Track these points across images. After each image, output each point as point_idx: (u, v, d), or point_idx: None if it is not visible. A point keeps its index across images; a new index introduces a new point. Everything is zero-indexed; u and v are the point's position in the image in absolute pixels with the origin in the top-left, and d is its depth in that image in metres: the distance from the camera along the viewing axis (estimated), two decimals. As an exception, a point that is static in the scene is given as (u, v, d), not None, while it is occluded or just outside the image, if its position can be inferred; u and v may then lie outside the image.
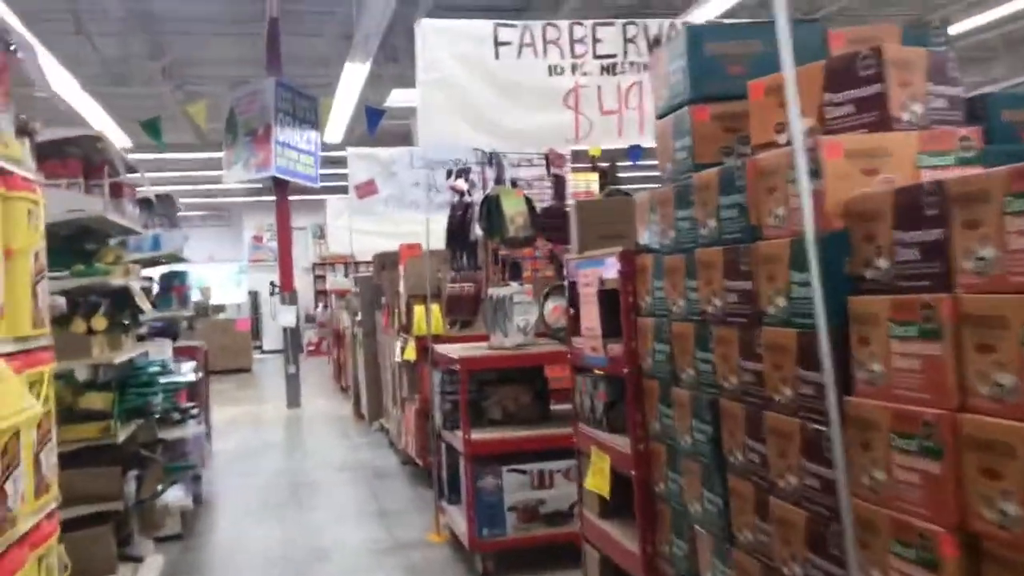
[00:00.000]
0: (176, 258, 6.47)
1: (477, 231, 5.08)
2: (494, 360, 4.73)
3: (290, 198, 23.95)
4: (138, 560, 3.70)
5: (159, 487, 4.15)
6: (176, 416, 6.24)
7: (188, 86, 12.30)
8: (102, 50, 11.72)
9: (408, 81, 13.65)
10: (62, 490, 3.43)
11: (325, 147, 14.74)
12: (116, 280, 3.66)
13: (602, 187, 6.28)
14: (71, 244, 3.93)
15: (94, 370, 4.62)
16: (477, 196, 5.09)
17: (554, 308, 5.06)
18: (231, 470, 7.99)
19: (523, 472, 4.68)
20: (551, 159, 6.76)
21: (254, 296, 24.95)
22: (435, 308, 6.57)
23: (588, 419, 3.30)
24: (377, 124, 12.63)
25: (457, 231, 5.11)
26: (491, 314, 4.83)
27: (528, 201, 4.87)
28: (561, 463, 4.73)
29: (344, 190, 12.44)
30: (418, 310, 6.89)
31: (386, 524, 5.84)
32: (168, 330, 8.52)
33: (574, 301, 3.34)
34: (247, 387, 15.49)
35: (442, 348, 5.28)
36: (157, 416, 6.05)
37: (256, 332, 23.42)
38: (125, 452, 3.80)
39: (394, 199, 10.60)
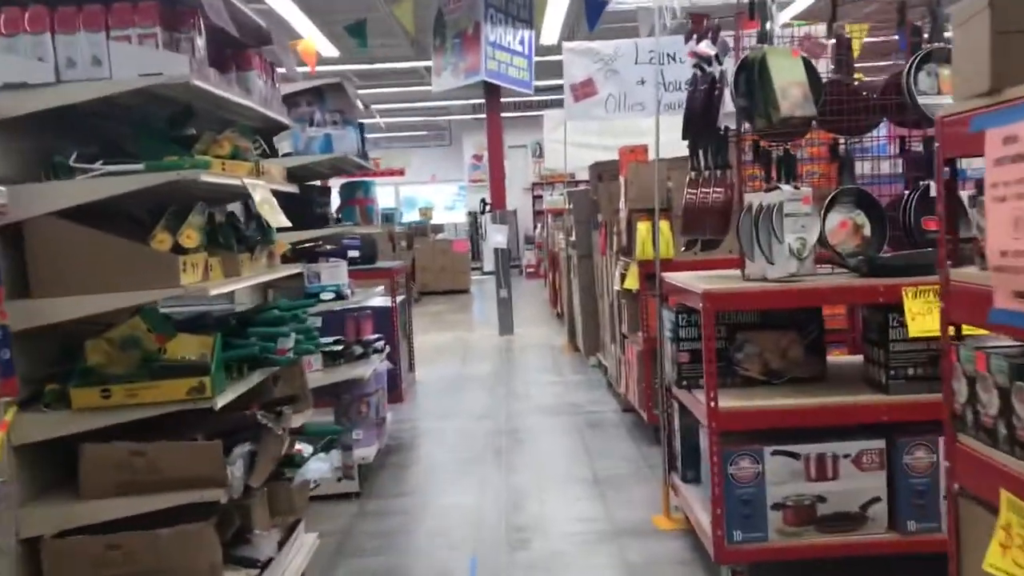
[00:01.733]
0: (358, 166, 5.45)
1: (728, 113, 3.62)
2: (754, 297, 3.31)
3: (508, 115, 23.15)
4: (254, 565, 2.70)
5: (301, 459, 3.12)
6: (358, 351, 5.32)
7: (394, -15, 11.33)
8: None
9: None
10: (140, 473, 2.45)
11: (541, 50, 13.46)
12: (215, 178, 2.58)
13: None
14: (173, 131, 2.90)
15: (240, 298, 3.66)
16: (730, 66, 3.62)
17: (841, 223, 3.55)
18: (430, 408, 7.10)
19: (795, 456, 3.29)
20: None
21: (473, 216, 24.45)
22: (664, 226, 5.19)
23: (992, 433, 1.77)
24: (598, 17, 11.17)
25: (699, 116, 3.67)
26: (749, 231, 3.40)
27: (809, 65, 3.35)
28: (848, 444, 3.30)
29: (562, 103, 11.16)
30: (642, 228, 5.54)
31: (601, 495, 4.64)
32: (363, 249, 7.70)
33: (950, 200, 1.87)
34: (462, 310, 14.84)
35: (675, 277, 3.92)
36: (334, 352, 5.17)
37: (476, 253, 22.97)
38: (239, 418, 2.78)
39: (615, 100, 9.18)
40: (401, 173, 27.17)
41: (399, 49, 15.72)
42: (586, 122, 11.29)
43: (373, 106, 22.32)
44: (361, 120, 5.59)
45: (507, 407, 6.93)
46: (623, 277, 5.96)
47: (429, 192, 27.71)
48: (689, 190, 3.66)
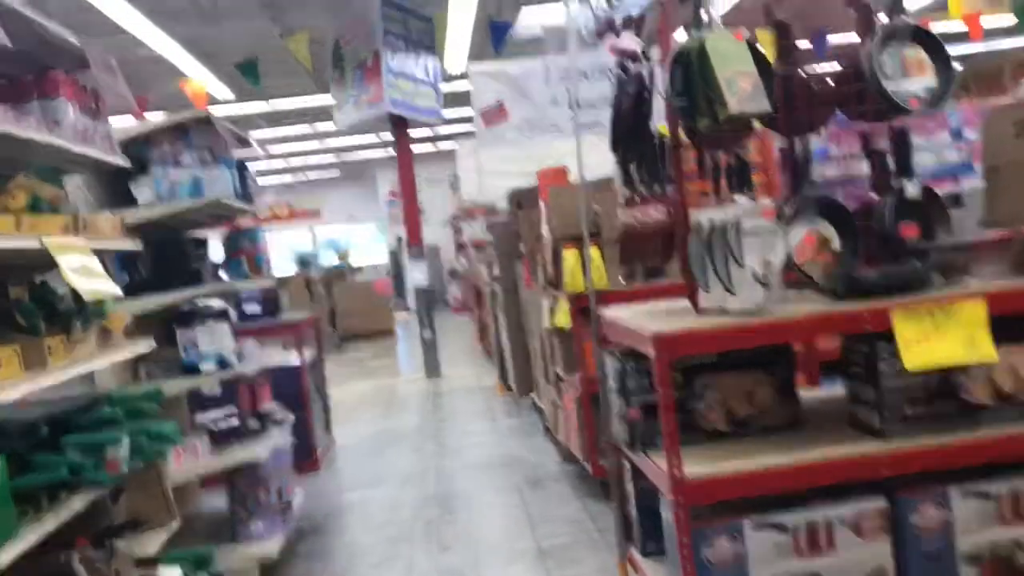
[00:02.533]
0: (240, 211, 4.73)
1: (660, 117, 3.04)
2: (717, 337, 2.70)
3: (423, 149, 22.52)
4: None
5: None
6: (253, 425, 4.58)
7: (287, 17, 10.67)
8: (187, -14, 10.22)
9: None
10: None
11: (449, 78, 12.90)
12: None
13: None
14: None
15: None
16: (658, 67, 3.05)
17: (806, 238, 2.99)
18: (349, 475, 6.35)
19: (782, 528, 2.68)
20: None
21: (395, 255, 23.72)
22: (595, 253, 4.62)
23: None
24: (503, 39, 10.67)
25: (628, 123, 3.08)
26: (701, 256, 2.81)
27: (755, 52, 2.79)
28: (843, 508, 2.71)
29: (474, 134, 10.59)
30: (569, 258, 4.96)
31: (546, 573, 3.98)
32: (265, 303, 6.97)
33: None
34: (386, 353, 14.07)
35: (614, 314, 3.31)
36: (224, 431, 4.42)
37: (400, 290, 22.24)
38: (50, 565, 2.05)
39: (528, 123, 8.63)
40: (317, 215, 26.32)
41: (303, 88, 15.01)
42: (501, 148, 10.75)
43: (277, 147, 21.47)
44: (243, 158, 4.90)
45: (437, 466, 6.22)
46: (552, 313, 5.35)
47: (348, 232, 26.93)
48: (624, 213, 3.05)
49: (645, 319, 2.95)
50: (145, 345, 2.90)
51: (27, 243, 2.09)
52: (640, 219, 2.97)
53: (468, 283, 16.13)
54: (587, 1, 5.41)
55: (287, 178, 25.23)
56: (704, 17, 2.84)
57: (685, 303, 3.15)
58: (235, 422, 4.53)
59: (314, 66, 12.37)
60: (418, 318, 10.46)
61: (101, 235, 2.58)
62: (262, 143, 21.04)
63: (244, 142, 4.78)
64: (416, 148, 21.62)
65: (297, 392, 6.40)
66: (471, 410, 8.17)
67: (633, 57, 3.06)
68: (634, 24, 3.07)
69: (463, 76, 10.93)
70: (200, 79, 10.73)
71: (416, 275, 10.29)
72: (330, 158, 24.01)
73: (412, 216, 10.58)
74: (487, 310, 10.26)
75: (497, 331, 8.91)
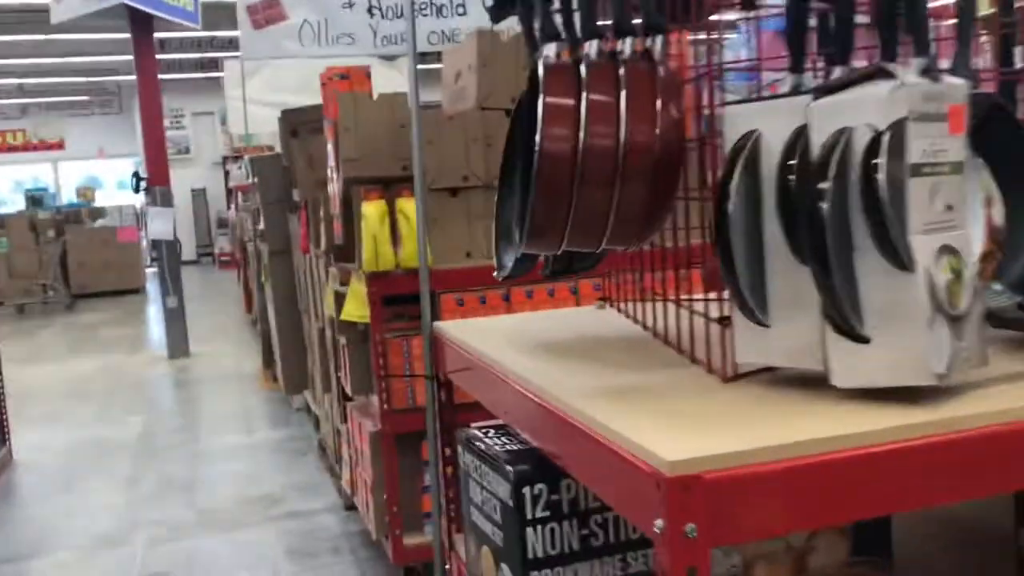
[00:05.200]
0: None
1: None
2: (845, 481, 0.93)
3: (191, 75, 19.40)
4: None
5: None
6: None
7: None
8: None
9: None
10: None
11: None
12: None
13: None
14: None
15: None
16: None
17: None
18: (18, 524, 4.14)
19: None
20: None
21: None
22: (408, 208, 2.77)
23: None
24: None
25: None
26: (753, 228, 1.04)
27: None
28: None
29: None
30: (371, 214, 3.05)
31: None
32: None
33: None
34: (128, 319, 11.48)
35: (479, 345, 1.50)
36: None
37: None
38: None
39: (313, 29, 6.52)
40: (60, 147, 22.54)
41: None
42: (274, 62, 8.56)
43: (7, 60, 17.70)
44: None
45: (154, 515, 4.14)
46: (339, 299, 3.44)
47: (104, 170, 23.31)
48: (548, 98, 1.16)
49: (573, 384, 1.14)
50: None
51: None
52: (593, 127, 1.12)
53: (236, 235, 13.71)
54: None
55: (19, 100, 21.29)
56: None
57: (629, 327, 1.37)
58: None
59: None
60: (160, 281, 8.12)
61: None
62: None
63: None
64: (182, 75, 18.60)
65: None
66: (221, 412, 6.08)
67: None
68: None
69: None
70: None
71: (158, 225, 7.94)
72: (75, 79, 20.36)
73: (155, 147, 8.17)
74: (252, 273, 8.10)
75: (263, 304, 6.84)
